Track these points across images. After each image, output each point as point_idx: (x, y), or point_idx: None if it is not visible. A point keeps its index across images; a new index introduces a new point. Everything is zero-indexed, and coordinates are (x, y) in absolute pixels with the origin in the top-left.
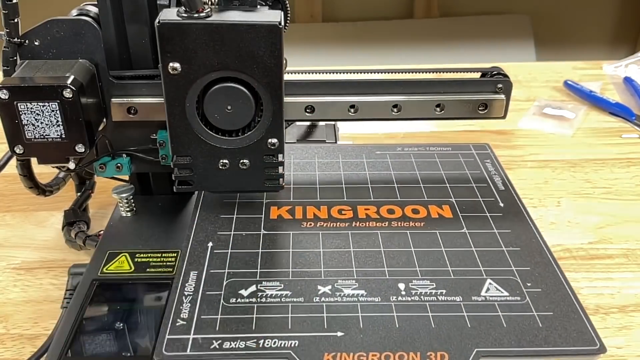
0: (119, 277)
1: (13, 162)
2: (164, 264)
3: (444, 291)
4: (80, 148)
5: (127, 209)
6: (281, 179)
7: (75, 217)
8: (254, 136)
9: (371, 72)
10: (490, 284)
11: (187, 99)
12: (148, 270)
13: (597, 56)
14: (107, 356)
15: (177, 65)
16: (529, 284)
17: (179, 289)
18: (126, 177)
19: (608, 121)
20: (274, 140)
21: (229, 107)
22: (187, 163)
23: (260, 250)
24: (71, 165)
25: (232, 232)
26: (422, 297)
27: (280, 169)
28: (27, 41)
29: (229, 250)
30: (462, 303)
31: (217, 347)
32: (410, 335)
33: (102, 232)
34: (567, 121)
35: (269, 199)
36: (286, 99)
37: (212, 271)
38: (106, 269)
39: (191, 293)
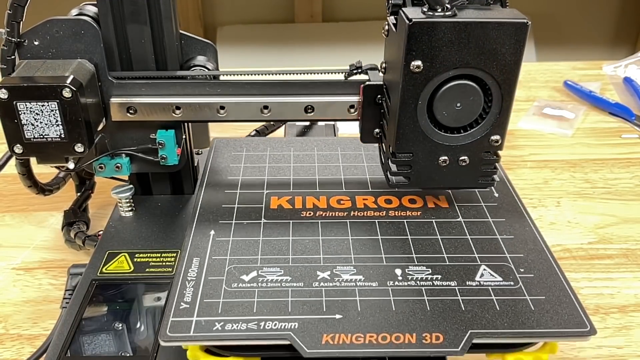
0: (119, 277)
1: (13, 162)
2: (164, 263)
3: (439, 276)
4: (79, 148)
5: (127, 209)
6: (495, 176)
7: (75, 217)
8: (477, 133)
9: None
10: (484, 269)
11: (420, 97)
12: (147, 270)
13: (597, 56)
14: (107, 356)
15: (419, 63)
16: (521, 270)
17: (182, 275)
18: (125, 177)
19: (608, 121)
20: (497, 137)
21: (459, 104)
22: (408, 160)
23: (260, 238)
24: (70, 165)
25: (234, 221)
26: (418, 282)
27: (497, 166)
28: (26, 41)
29: (231, 238)
30: (456, 287)
31: (220, 328)
32: (407, 318)
33: (101, 232)
34: (566, 121)
35: (270, 189)
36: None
37: (214, 257)
38: (105, 269)
39: (194, 278)
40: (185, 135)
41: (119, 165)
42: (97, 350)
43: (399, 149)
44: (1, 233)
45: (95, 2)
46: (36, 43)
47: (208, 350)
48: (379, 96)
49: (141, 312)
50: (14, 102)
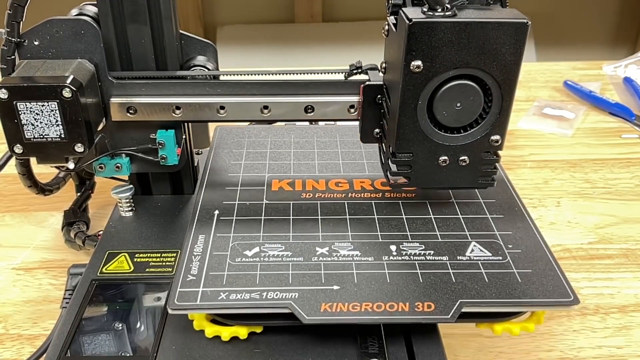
0: (119, 277)
1: (13, 162)
2: (164, 263)
3: (432, 252)
4: (79, 148)
5: (127, 209)
6: (494, 175)
7: (75, 217)
8: (477, 133)
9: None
10: (474, 245)
11: (420, 97)
12: (147, 270)
13: (597, 56)
14: (107, 356)
15: (419, 63)
16: (510, 246)
17: (188, 250)
18: (125, 177)
19: (608, 121)
20: (497, 137)
21: (459, 104)
22: (408, 160)
23: (262, 217)
24: (70, 165)
25: (237, 202)
26: (411, 257)
27: (497, 166)
28: (26, 41)
29: (234, 218)
30: (448, 262)
31: (224, 298)
32: (400, 289)
33: (101, 232)
34: (566, 121)
35: (271, 173)
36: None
37: (218, 235)
38: (105, 269)
39: (200, 253)
40: (185, 135)
41: (119, 165)
42: (97, 350)
43: (399, 149)
44: (1, 233)
45: (95, 2)
46: (36, 43)
47: (214, 321)
48: (379, 96)
49: (141, 312)
50: (14, 102)
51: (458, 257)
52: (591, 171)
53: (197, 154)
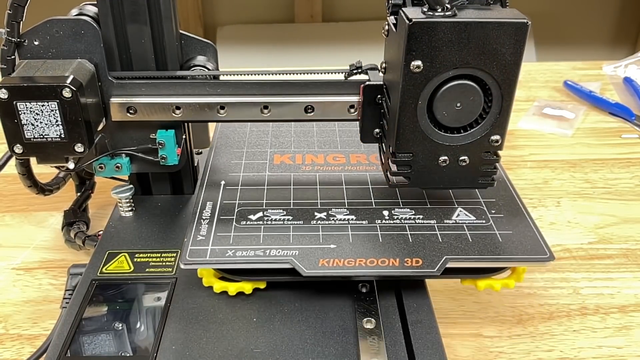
0: (119, 277)
1: (13, 162)
2: (164, 263)
3: (421, 216)
4: (79, 148)
5: (127, 209)
6: (494, 175)
7: (75, 218)
8: (477, 133)
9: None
10: (460, 211)
11: (420, 97)
12: (147, 270)
13: (597, 56)
14: (107, 356)
15: (419, 63)
16: (493, 211)
17: (197, 215)
18: (125, 177)
19: (608, 121)
20: (497, 137)
21: (459, 104)
22: (408, 160)
23: (265, 187)
24: (70, 165)
25: (242, 173)
26: (402, 220)
27: (497, 166)
28: (26, 41)
29: (239, 187)
30: (435, 224)
31: (231, 254)
32: (391, 247)
33: (101, 232)
34: (566, 121)
35: (273, 148)
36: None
37: (225, 202)
38: (105, 269)
39: (208, 217)
40: (185, 135)
41: (119, 165)
42: (97, 350)
43: (399, 149)
44: (1, 233)
45: (95, 2)
46: (36, 43)
47: (221, 278)
48: (379, 96)
49: (141, 312)
50: (14, 102)
51: (445, 221)
52: (591, 171)
53: (197, 153)
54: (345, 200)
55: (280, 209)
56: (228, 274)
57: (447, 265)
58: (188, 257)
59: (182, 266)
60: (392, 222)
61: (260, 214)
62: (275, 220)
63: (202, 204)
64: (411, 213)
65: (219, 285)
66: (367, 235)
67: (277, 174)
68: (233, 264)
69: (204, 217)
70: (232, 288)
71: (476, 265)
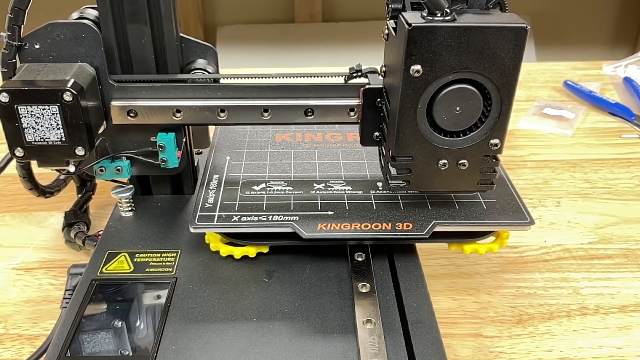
0: (119, 277)
1: (13, 162)
2: (164, 263)
3: None
4: (80, 151)
5: (127, 209)
6: (494, 179)
7: (76, 219)
8: (476, 137)
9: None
10: None
11: (420, 101)
12: (147, 270)
13: (597, 56)
14: (107, 356)
15: (419, 67)
16: None
17: (205, 186)
18: (126, 180)
19: (608, 121)
20: (496, 141)
21: (458, 108)
22: (407, 163)
23: (268, 162)
24: (71, 168)
25: (245, 150)
26: (394, 191)
27: (497, 169)
28: (27, 44)
29: (243, 162)
30: (425, 194)
31: (237, 220)
32: (384, 213)
33: (101, 232)
34: (566, 121)
35: (274, 129)
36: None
37: (230, 174)
38: (105, 269)
39: (214, 188)
40: (186, 138)
41: (120, 168)
42: (97, 350)
43: (399, 153)
44: (1, 233)
45: (96, 5)
46: (37, 47)
47: (229, 243)
48: (378, 99)
49: (141, 312)
50: (15, 106)
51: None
52: (591, 171)
53: (197, 154)
54: (342, 174)
55: (282, 180)
56: (234, 239)
57: (435, 229)
58: (197, 222)
59: (191, 230)
60: (385, 192)
61: (263, 185)
62: (277, 190)
63: (209, 177)
64: (403, 184)
65: (225, 250)
66: (362, 203)
67: (279, 150)
68: (238, 228)
69: (211, 188)
70: (238, 252)
71: (462, 229)
